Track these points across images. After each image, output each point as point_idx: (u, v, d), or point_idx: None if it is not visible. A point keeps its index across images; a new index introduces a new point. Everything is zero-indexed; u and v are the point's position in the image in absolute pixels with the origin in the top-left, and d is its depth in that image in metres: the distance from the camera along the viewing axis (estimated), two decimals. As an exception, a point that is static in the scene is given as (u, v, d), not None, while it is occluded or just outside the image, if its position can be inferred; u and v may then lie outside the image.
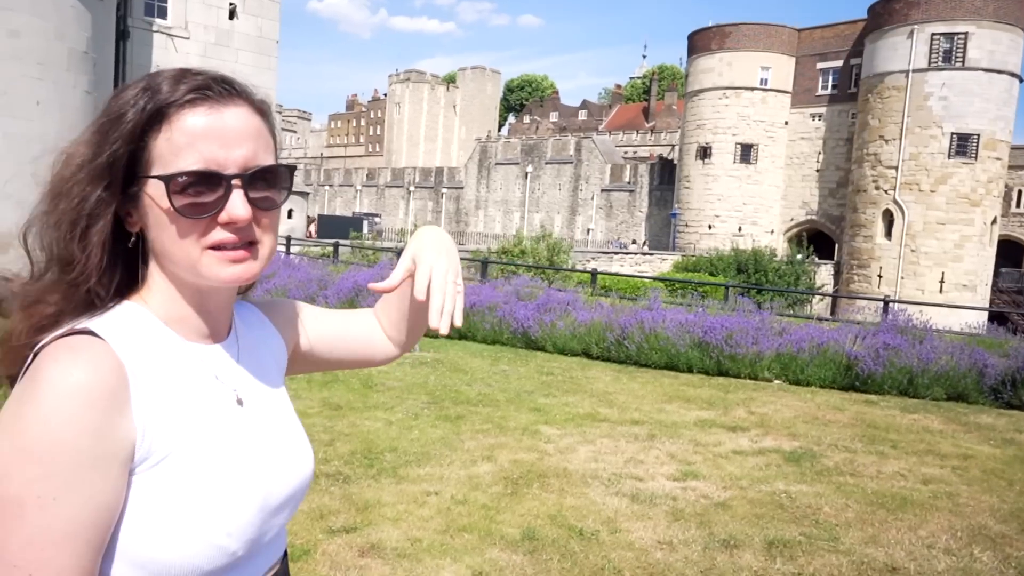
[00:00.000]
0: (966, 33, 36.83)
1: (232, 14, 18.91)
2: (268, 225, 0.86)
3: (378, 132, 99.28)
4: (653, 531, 4.12)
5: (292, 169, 0.89)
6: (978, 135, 37.14)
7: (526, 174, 59.58)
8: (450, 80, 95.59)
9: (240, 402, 0.90)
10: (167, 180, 0.79)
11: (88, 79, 14.83)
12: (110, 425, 0.74)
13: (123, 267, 0.86)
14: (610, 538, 4.00)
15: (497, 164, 61.72)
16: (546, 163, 58.83)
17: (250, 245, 0.84)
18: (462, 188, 63.74)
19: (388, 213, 65.95)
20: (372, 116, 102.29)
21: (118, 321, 0.82)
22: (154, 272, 0.86)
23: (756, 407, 7.51)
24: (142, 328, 0.83)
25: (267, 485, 0.88)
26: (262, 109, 0.87)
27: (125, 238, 0.85)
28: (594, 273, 13.92)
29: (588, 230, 55.79)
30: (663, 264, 38.24)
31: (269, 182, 0.85)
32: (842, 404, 7.90)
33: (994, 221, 38.62)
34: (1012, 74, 37.51)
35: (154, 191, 0.80)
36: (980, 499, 4.97)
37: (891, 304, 11.18)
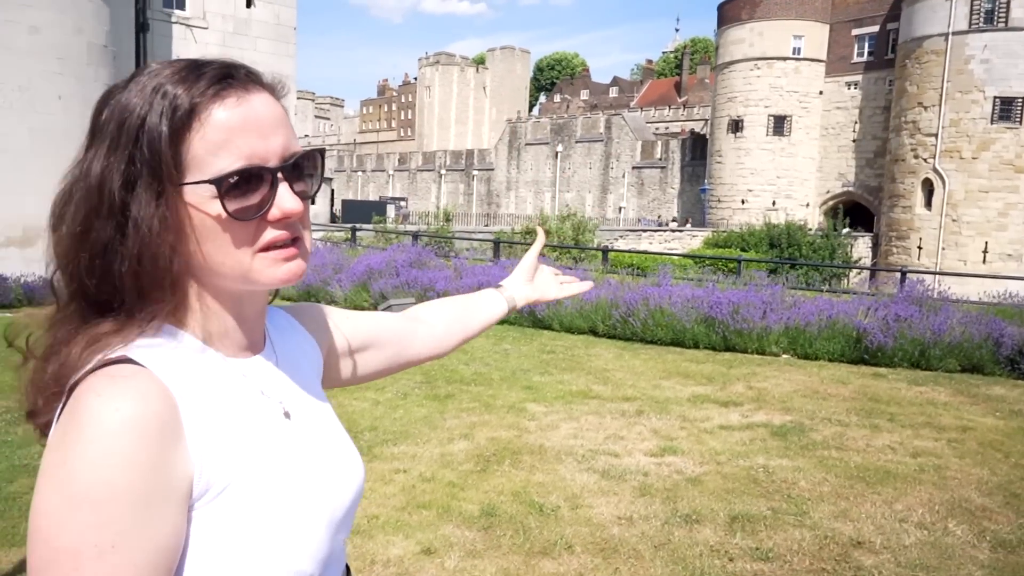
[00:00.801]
0: (1009, -9, 35.29)
1: (249, 2, 19.04)
2: (306, 218, 0.81)
3: (409, 116, 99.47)
4: (616, 507, 4.08)
5: (324, 153, 0.85)
6: (1023, 98, 35.65)
7: (556, 153, 59.23)
8: (480, 62, 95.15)
9: (287, 415, 0.85)
10: (218, 183, 0.72)
11: (108, 72, 15.12)
12: (165, 460, 0.68)
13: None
14: (570, 514, 3.98)
15: (527, 144, 61.48)
16: (576, 142, 58.41)
17: (295, 241, 0.79)
18: (493, 170, 63.67)
19: (420, 197, 66.27)
20: (403, 100, 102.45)
21: (154, 345, 0.75)
22: (187, 288, 0.78)
23: (756, 382, 7.38)
24: (180, 350, 0.77)
25: (331, 500, 0.84)
26: (279, 93, 0.81)
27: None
28: (605, 250, 13.82)
29: (620, 208, 55.31)
30: (693, 240, 37.74)
31: (305, 170, 0.80)
32: (848, 378, 7.71)
33: (1041, 187, 37.17)
34: (1059, 33, 35.85)
35: (195, 199, 0.73)
36: (969, 472, 4.82)
37: (907, 275, 10.84)
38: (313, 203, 0.88)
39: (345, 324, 1.07)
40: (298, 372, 0.92)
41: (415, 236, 14.45)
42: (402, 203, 42.03)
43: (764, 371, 7.93)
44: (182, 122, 0.72)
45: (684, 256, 24.06)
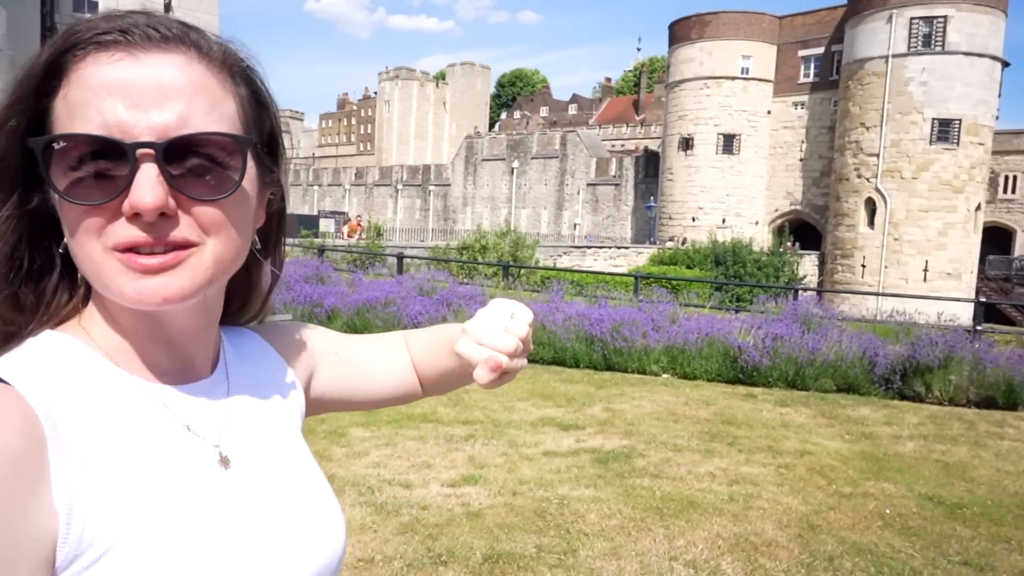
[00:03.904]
0: (945, 16, 36.19)
1: (167, 8, 18.52)
2: (214, 223, 0.61)
3: (369, 131, 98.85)
4: (364, 547, 3.71)
5: (247, 142, 0.62)
6: (960, 120, 36.50)
7: (512, 170, 59.17)
8: (441, 77, 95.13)
9: (225, 462, 0.67)
10: (41, 148, 0.58)
11: (3, 77, 14.48)
12: (13, 510, 0.51)
13: (59, 280, 0.65)
14: (307, 555, 3.59)
15: (484, 160, 61.35)
16: (532, 158, 58.43)
17: (182, 248, 0.59)
18: (449, 185, 63.39)
19: (377, 212, 65.62)
20: (363, 115, 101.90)
21: (35, 358, 0.60)
22: (94, 290, 0.65)
23: (618, 403, 7.09)
24: (73, 366, 0.61)
25: (271, 574, 0.64)
26: (220, 59, 0.63)
27: (58, 239, 0.63)
28: (506, 266, 13.54)
29: (575, 225, 55.36)
30: (639, 258, 37.76)
31: (213, 159, 0.60)
32: (716, 398, 7.46)
33: (978, 207, 37.99)
34: (994, 57, 36.83)
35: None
36: (780, 501, 4.55)
37: (799, 292, 10.72)
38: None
39: (334, 347, 0.89)
40: (258, 407, 0.74)
41: (321, 251, 14.03)
42: (340, 217, 41.55)
43: (633, 391, 7.65)
44: (50, 75, 0.59)
45: (621, 275, 23.92)
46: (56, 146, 0.57)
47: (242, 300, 0.78)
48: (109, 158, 0.58)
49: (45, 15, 16.58)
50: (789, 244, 40.81)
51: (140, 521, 0.57)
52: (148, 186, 0.57)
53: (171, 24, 0.62)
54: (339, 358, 0.89)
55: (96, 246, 0.59)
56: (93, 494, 0.56)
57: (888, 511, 4.46)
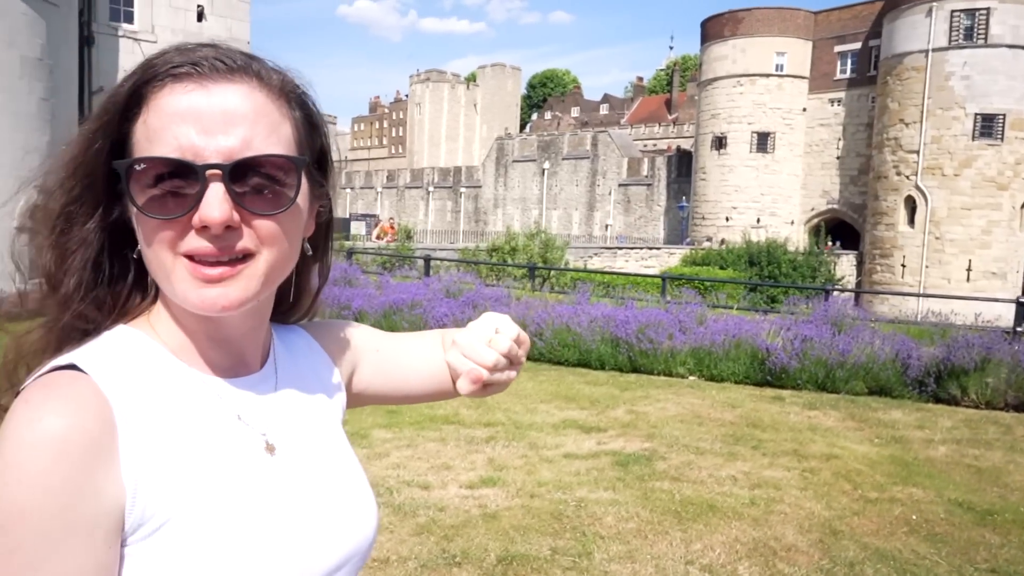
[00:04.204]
0: (988, 8, 35.23)
1: (200, 16, 18.93)
2: (270, 235, 0.68)
3: (401, 133, 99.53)
4: (381, 547, 3.73)
5: (301, 163, 0.70)
6: (1004, 115, 35.48)
7: (543, 171, 59.10)
8: (471, 79, 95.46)
9: (271, 448, 0.74)
10: (125, 169, 0.66)
11: (44, 86, 14.89)
12: (90, 483, 0.60)
13: (133, 283, 0.73)
14: (323, 555, 3.62)
15: (514, 161, 61.38)
16: (563, 159, 58.28)
17: (241, 261, 0.67)
18: (480, 187, 63.54)
19: (408, 214, 66.10)
20: (394, 117, 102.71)
21: (109, 350, 0.68)
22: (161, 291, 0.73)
23: (642, 406, 7.03)
24: (140, 358, 0.69)
25: (307, 555, 0.71)
26: (279, 87, 0.71)
27: (132, 246, 0.72)
28: (532, 268, 13.50)
29: (607, 226, 55.06)
30: (671, 258, 37.40)
31: (272, 178, 0.68)
32: (743, 401, 7.36)
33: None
34: (1039, 49, 35.72)
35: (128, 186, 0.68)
36: (802, 506, 4.46)
37: (831, 292, 10.52)
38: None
39: (377, 346, 0.94)
40: (303, 400, 0.81)
41: (349, 253, 14.17)
42: (371, 220, 42.05)
43: (658, 394, 7.58)
44: (131, 103, 0.67)
45: (649, 276, 23.77)
46: (137, 167, 0.65)
47: (293, 301, 0.85)
48: (182, 177, 0.65)
49: (83, 25, 17.00)
50: (828, 244, 40.12)
51: (193, 499, 0.64)
52: (216, 203, 0.64)
53: (236, 56, 0.69)
54: (380, 355, 0.94)
55: (167, 255, 0.66)
56: (154, 472, 0.63)
57: (915, 517, 4.35)
